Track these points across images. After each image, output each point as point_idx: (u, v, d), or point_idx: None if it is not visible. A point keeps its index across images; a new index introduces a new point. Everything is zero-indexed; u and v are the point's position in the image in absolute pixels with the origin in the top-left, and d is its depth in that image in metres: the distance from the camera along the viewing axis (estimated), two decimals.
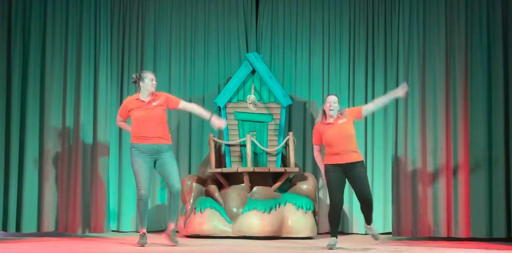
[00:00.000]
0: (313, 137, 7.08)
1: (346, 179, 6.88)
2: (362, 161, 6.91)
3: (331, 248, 6.82)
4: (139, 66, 8.87)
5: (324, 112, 6.95)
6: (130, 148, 7.10)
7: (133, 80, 7.14)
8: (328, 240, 6.97)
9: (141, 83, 7.09)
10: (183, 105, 7.21)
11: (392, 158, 8.12)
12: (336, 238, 6.91)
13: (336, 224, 6.90)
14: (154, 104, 7.06)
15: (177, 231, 7.46)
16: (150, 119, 7.02)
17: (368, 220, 6.97)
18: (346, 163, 6.80)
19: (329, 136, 6.83)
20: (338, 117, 6.91)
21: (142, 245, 6.95)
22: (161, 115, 7.08)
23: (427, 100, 8.01)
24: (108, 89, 8.29)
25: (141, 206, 7.03)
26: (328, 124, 6.90)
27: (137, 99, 7.10)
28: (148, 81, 7.07)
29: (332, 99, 6.91)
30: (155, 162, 7.08)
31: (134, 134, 7.08)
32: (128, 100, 7.22)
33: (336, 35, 8.95)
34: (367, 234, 8.58)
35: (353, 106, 8.54)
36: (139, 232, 7.13)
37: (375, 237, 7.06)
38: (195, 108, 7.24)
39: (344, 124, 6.86)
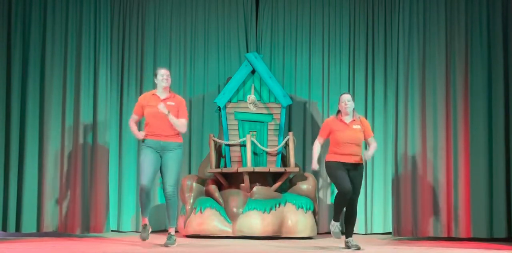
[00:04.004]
0: (321, 129, 7.09)
1: None
2: (363, 165, 7.00)
3: (338, 237, 6.84)
4: (139, 66, 8.87)
5: (339, 112, 7.01)
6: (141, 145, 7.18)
7: (154, 76, 7.28)
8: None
9: (155, 80, 7.22)
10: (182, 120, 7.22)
11: (392, 158, 8.11)
12: (339, 221, 6.90)
13: (341, 209, 6.88)
14: (169, 103, 7.10)
15: (177, 231, 7.44)
16: (163, 116, 7.02)
17: (350, 232, 6.95)
18: (350, 163, 6.86)
19: (342, 136, 6.87)
20: (354, 120, 6.95)
21: (144, 239, 6.94)
22: (174, 114, 7.09)
23: (427, 100, 8.01)
24: (108, 89, 8.27)
25: (142, 196, 7.03)
26: (342, 121, 6.94)
27: (154, 94, 7.19)
28: (159, 77, 7.16)
29: (346, 98, 6.98)
30: (161, 156, 7.10)
31: (147, 131, 7.11)
32: (143, 96, 7.30)
33: (336, 35, 8.95)
34: (367, 233, 8.61)
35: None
36: (140, 227, 7.14)
37: (357, 246, 6.88)
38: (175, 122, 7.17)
39: (359, 131, 6.94)
